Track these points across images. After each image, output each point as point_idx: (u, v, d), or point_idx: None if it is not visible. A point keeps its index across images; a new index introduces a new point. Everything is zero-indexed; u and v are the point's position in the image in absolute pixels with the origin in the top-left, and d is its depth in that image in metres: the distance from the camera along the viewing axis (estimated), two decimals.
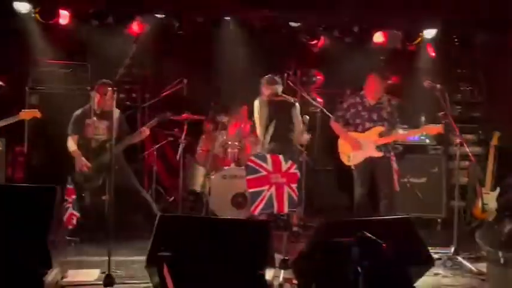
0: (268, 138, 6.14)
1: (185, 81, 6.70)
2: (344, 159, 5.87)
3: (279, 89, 6.15)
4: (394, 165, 5.76)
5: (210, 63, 7.47)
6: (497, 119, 7.32)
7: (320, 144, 7.46)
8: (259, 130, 6.28)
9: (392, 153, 5.81)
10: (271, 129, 6.11)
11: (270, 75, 6.19)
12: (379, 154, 5.68)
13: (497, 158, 6.50)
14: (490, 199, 6.32)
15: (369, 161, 5.71)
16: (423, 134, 6.79)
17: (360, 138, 5.74)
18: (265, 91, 6.15)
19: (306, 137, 6.10)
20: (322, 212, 7.09)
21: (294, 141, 6.16)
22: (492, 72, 7.58)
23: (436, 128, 5.68)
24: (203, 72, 7.36)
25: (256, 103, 6.26)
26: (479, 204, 6.33)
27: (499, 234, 4.76)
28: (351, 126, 5.86)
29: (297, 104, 6.19)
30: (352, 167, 5.78)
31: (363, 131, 5.76)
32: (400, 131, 5.89)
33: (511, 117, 7.26)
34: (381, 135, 5.71)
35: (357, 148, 5.72)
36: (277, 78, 6.18)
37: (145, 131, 5.83)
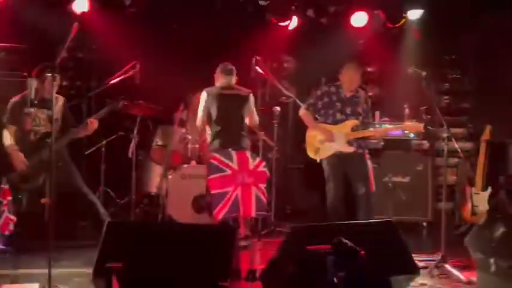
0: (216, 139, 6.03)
1: (138, 66, 6.63)
2: (311, 152, 5.94)
3: (233, 80, 6.13)
4: (369, 163, 5.85)
5: (166, 46, 7.41)
6: (489, 111, 7.41)
7: (293, 138, 7.49)
8: (200, 122, 6.08)
9: (366, 150, 5.90)
10: (216, 128, 6.00)
11: (226, 63, 6.16)
12: (350, 149, 5.76)
13: (489, 155, 6.59)
14: (480, 200, 6.40)
15: (340, 158, 5.79)
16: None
17: (331, 130, 5.80)
18: (218, 81, 6.12)
19: (260, 134, 6.15)
20: (294, 216, 7.13)
21: (246, 141, 6.10)
22: (484, 58, 7.69)
23: (416, 127, 5.78)
24: (158, 56, 7.31)
25: (204, 95, 6.10)
26: (469, 206, 6.42)
27: (490, 239, 4.85)
28: (321, 117, 5.92)
29: (251, 96, 6.16)
30: (318, 161, 5.85)
31: (334, 122, 5.84)
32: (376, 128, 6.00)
33: (504, 108, 7.38)
34: (353, 129, 5.79)
35: (329, 140, 5.78)
36: (233, 68, 6.14)
37: (93, 123, 5.74)
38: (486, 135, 6.56)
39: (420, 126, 5.77)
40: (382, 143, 7.08)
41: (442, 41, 7.79)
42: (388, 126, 6.45)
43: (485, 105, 7.61)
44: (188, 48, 7.52)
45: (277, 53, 7.98)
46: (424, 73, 5.35)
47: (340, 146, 5.77)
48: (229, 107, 5.99)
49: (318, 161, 5.88)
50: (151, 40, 7.36)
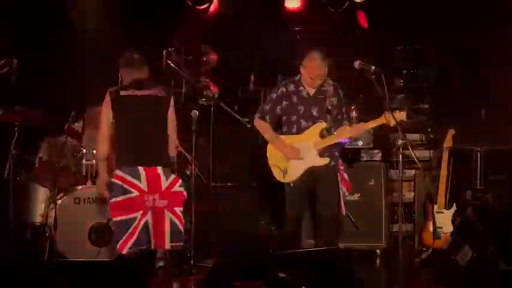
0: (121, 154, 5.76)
1: (15, 61, 6.49)
2: (277, 174, 5.80)
3: (143, 74, 5.73)
4: (344, 176, 5.82)
5: (52, 36, 7.29)
6: (451, 112, 7.62)
7: (216, 149, 7.48)
8: (100, 137, 5.57)
9: (340, 161, 5.85)
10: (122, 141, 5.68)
11: (130, 52, 5.80)
12: (325, 161, 5.67)
13: (452, 165, 6.75)
14: (444, 220, 6.58)
15: (312, 174, 5.69)
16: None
17: (295, 142, 5.71)
18: (124, 78, 5.74)
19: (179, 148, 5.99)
20: (220, 247, 7.12)
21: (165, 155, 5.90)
22: (445, 48, 7.90)
23: (399, 115, 5.51)
24: (42, 47, 7.18)
25: (107, 98, 5.56)
26: (431, 227, 6.59)
27: (456, 267, 4.99)
28: (283, 127, 5.83)
29: (171, 99, 5.83)
30: (292, 185, 5.70)
31: (298, 131, 5.73)
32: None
33: (469, 108, 7.59)
34: (322, 135, 5.70)
35: (294, 155, 5.68)
36: (140, 57, 5.64)
37: None
38: (448, 141, 6.76)
39: (403, 114, 5.53)
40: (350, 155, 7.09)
41: (395, 28, 7.95)
42: (364, 123, 6.16)
43: (447, 106, 7.80)
44: (81, 38, 7.41)
45: (194, 43, 7.97)
46: (373, 67, 5.44)
47: (311, 159, 5.67)
48: (140, 112, 5.70)
49: (292, 184, 5.71)
50: (33, 28, 7.22)
